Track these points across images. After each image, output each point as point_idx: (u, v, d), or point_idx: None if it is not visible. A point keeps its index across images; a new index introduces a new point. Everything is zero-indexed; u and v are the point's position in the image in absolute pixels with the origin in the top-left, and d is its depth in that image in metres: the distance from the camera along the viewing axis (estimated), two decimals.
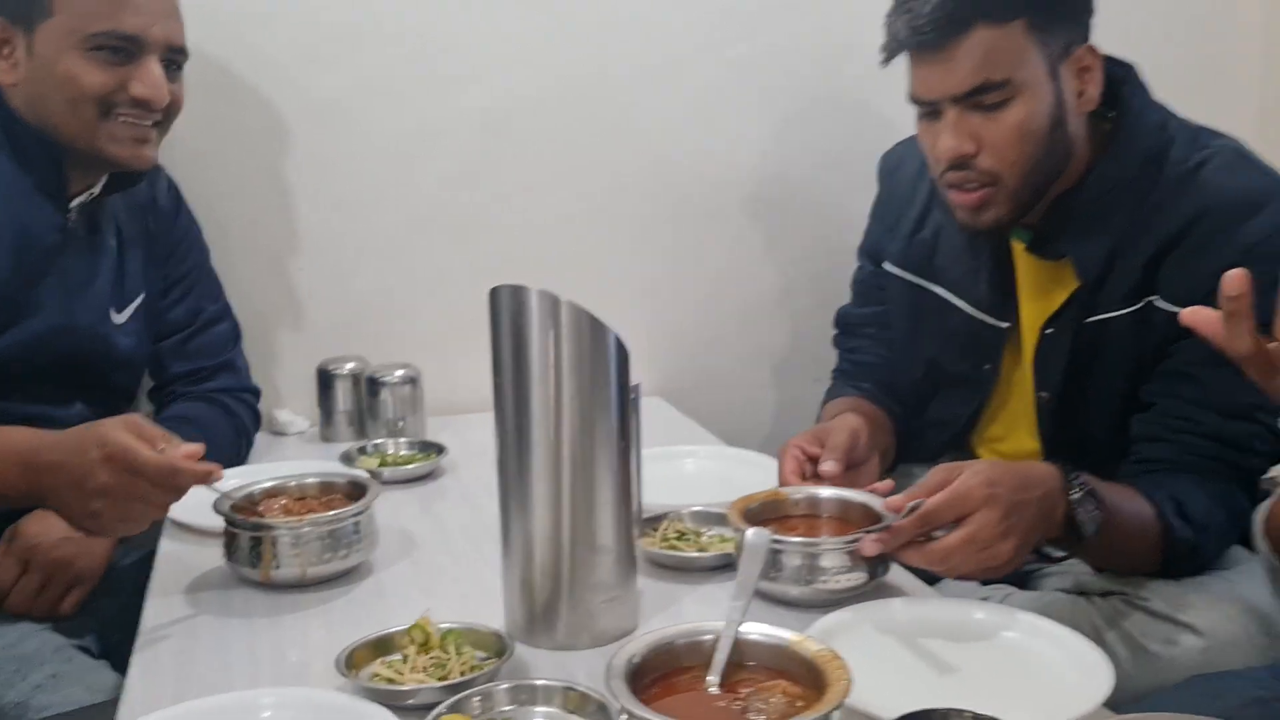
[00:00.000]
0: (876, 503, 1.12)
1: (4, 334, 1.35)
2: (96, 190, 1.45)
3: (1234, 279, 0.82)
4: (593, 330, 0.97)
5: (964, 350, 1.48)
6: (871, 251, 1.64)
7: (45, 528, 1.32)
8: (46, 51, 1.35)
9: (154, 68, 1.38)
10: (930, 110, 1.31)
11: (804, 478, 1.28)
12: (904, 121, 1.42)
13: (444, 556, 1.27)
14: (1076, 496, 1.10)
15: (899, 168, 1.60)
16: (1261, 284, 0.84)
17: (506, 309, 0.98)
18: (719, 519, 1.24)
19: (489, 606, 1.07)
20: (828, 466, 1.27)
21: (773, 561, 1.07)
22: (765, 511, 1.17)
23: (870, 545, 1.05)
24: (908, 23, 1.27)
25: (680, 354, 2.02)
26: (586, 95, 1.91)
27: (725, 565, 1.18)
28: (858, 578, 1.08)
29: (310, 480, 1.27)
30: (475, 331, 1.88)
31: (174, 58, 1.42)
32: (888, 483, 1.16)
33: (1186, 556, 1.21)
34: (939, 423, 1.53)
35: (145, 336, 1.55)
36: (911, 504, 1.05)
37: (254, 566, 1.15)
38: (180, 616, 1.13)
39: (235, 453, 1.62)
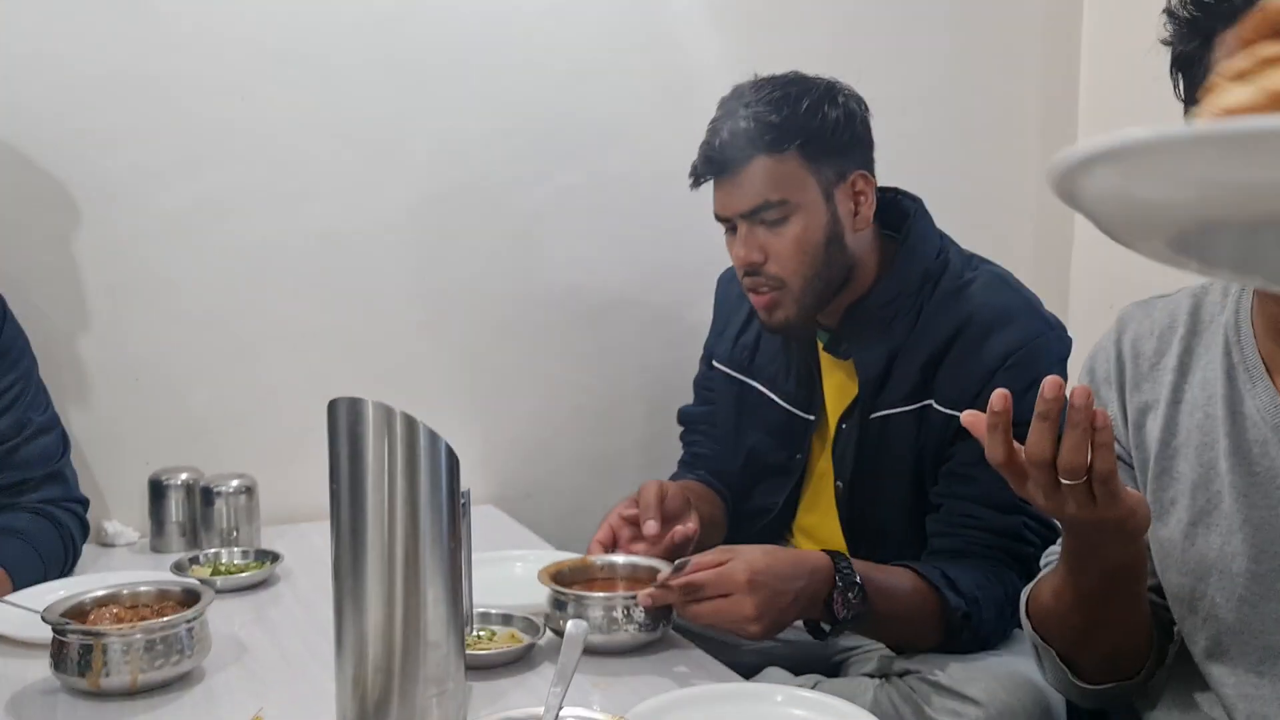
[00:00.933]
0: (664, 567, 1.32)
1: None
2: None
3: (998, 398, 0.97)
4: (425, 439, 1.04)
5: (779, 440, 1.64)
6: (707, 354, 1.82)
7: None
8: None
9: None
10: (729, 225, 1.53)
11: (610, 548, 1.46)
12: (719, 240, 1.58)
13: (277, 660, 1.30)
14: (839, 586, 1.29)
15: (730, 281, 1.78)
16: (1016, 389, 1.01)
17: (344, 419, 1.05)
18: (506, 619, 1.34)
19: (321, 706, 1.11)
20: (649, 527, 1.42)
21: (579, 614, 1.27)
22: (573, 575, 1.37)
23: (645, 599, 1.26)
24: (704, 153, 1.51)
25: (512, 462, 2.10)
26: (420, 216, 2.01)
27: (517, 660, 1.27)
28: (646, 627, 1.29)
29: (144, 589, 1.28)
30: (310, 441, 1.93)
31: None
32: (691, 527, 1.42)
33: (962, 626, 1.35)
34: (760, 510, 1.68)
35: None
36: (678, 563, 1.29)
37: (82, 675, 1.16)
38: None
39: (62, 565, 1.61)
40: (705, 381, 1.81)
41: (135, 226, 1.83)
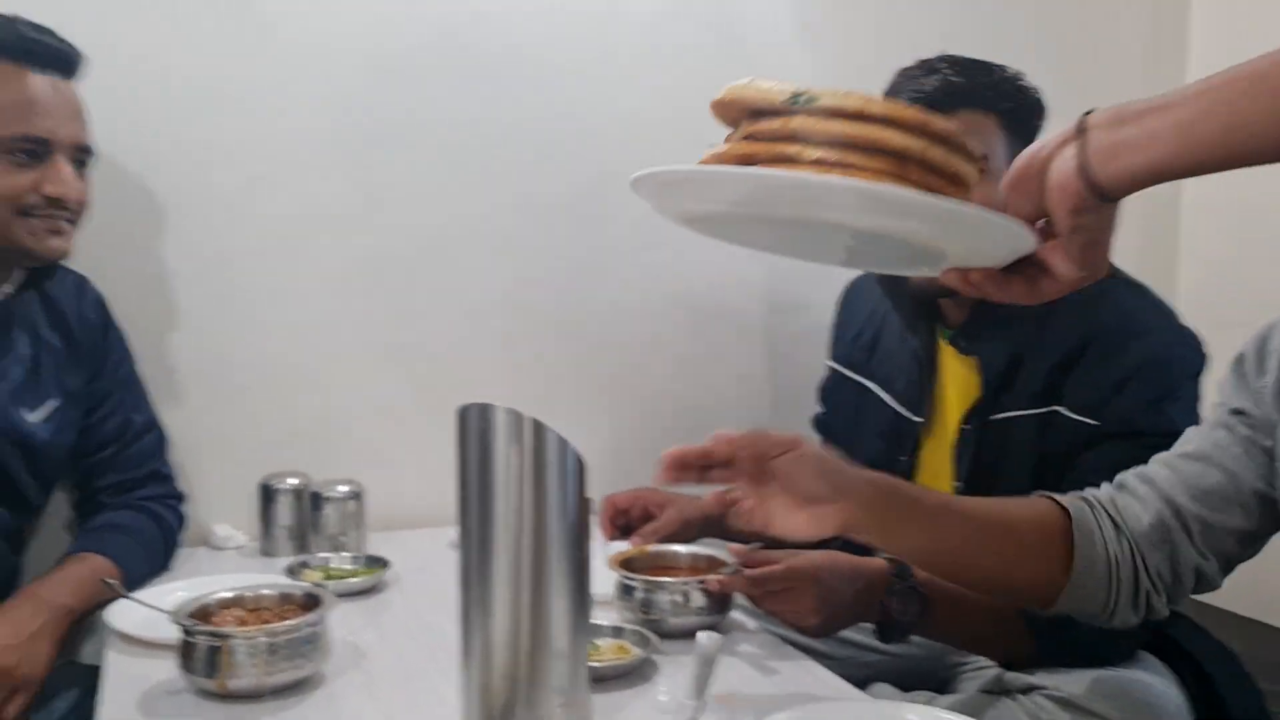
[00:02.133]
0: (727, 557, 1.41)
1: None
2: (10, 290, 1.50)
3: None
4: (553, 445, 1.04)
5: (888, 443, 1.61)
6: (831, 358, 1.82)
7: None
8: None
9: (64, 167, 1.46)
10: None
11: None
12: None
13: (394, 665, 1.30)
14: (896, 589, 1.33)
15: (858, 288, 1.80)
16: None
17: (474, 425, 1.05)
18: (616, 631, 1.34)
19: (442, 713, 1.10)
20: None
21: (648, 601, 1.37)
22: (639, 563, 1.46)
23: (714, 584, 1.36)
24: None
25: (613, 470, 2.09)
26: (524, 223, 2.01)
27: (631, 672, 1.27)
28: (708, 611, 1.38)
29: (266, 591, 1.30)
30: (417, 447, 1.96)
31: (81, 156, 1.50)
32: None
33: (1051, 632, 1.31)
34: None
35: (61, 438, 1.56)
36: (751, 548, 1.39)
37: (210, 676, 1.17)
38: None
39: (164, 559, 1.65)
40: (826, 384, 1.83)
41: (241, 233, 1.86)
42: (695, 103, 1.01)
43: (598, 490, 1.44)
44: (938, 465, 1.57)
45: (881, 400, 1.65)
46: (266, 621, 1.25)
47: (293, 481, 1.77)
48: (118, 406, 1.66)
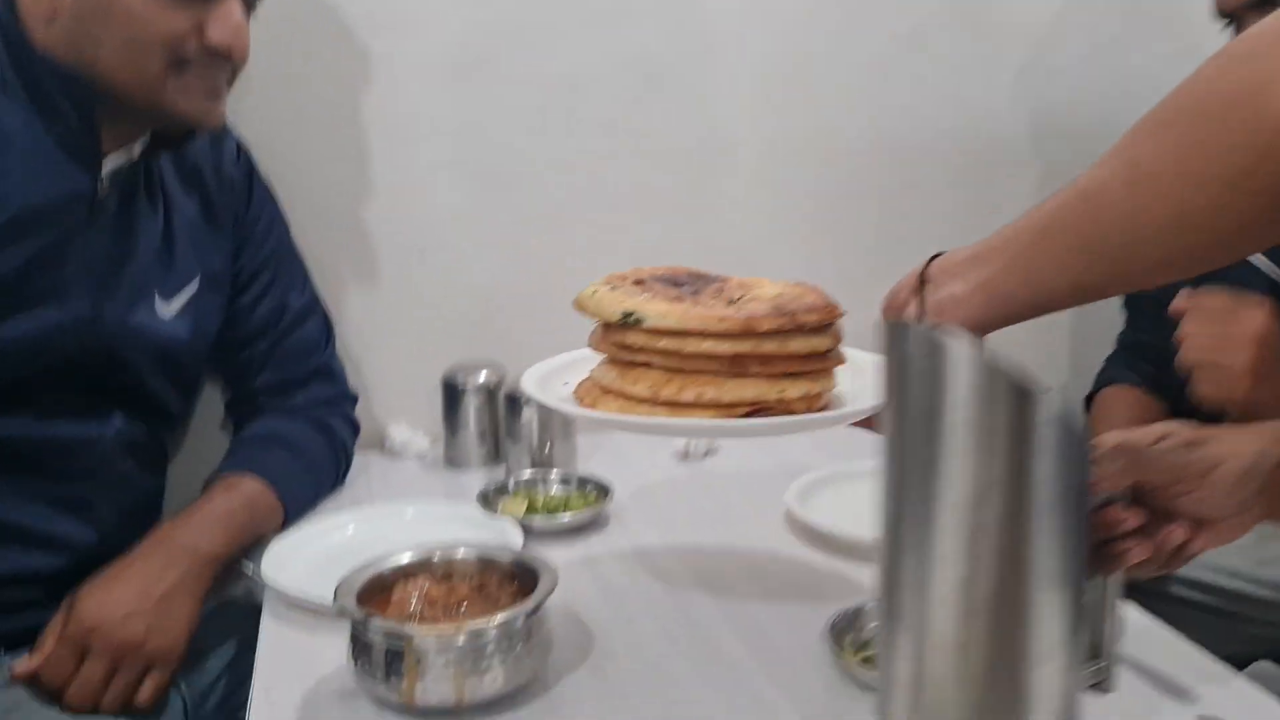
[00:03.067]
0: None
1: (12, 328, 1.04)
2: (136, 152, 1.14)
3: None
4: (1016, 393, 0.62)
5: None
6: None
7: (108, 600, 1.03)
8: None
9: (235, 8, 1.07)
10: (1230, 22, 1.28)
11: None
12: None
13: (633, 657, 0.94)
14: None
15: None
16: None
17: (917, 351, 0.64)
18: None
19: None
20: None
21: None
22: None
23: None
24: None
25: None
26: (778, 32, 1.56)
27: None
28: None
29: (461, 555, 0.95)
30: None
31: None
32: None
33: None
34: None
35: (202, 333, 1.23)
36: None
37: (390, 685, 0.83)
38: None
39: (334, 480, 1.33)
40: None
41: (412, 57, 1.48)
42: None
43: None
44: None
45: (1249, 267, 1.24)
46: (463, 598, 0.91)
47: (483, 376, 1.42)
48: (270, 286, 1.32)
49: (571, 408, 0.92)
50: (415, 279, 1.52)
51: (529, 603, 0.86)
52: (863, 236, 1.66)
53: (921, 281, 0.81)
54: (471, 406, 1.42)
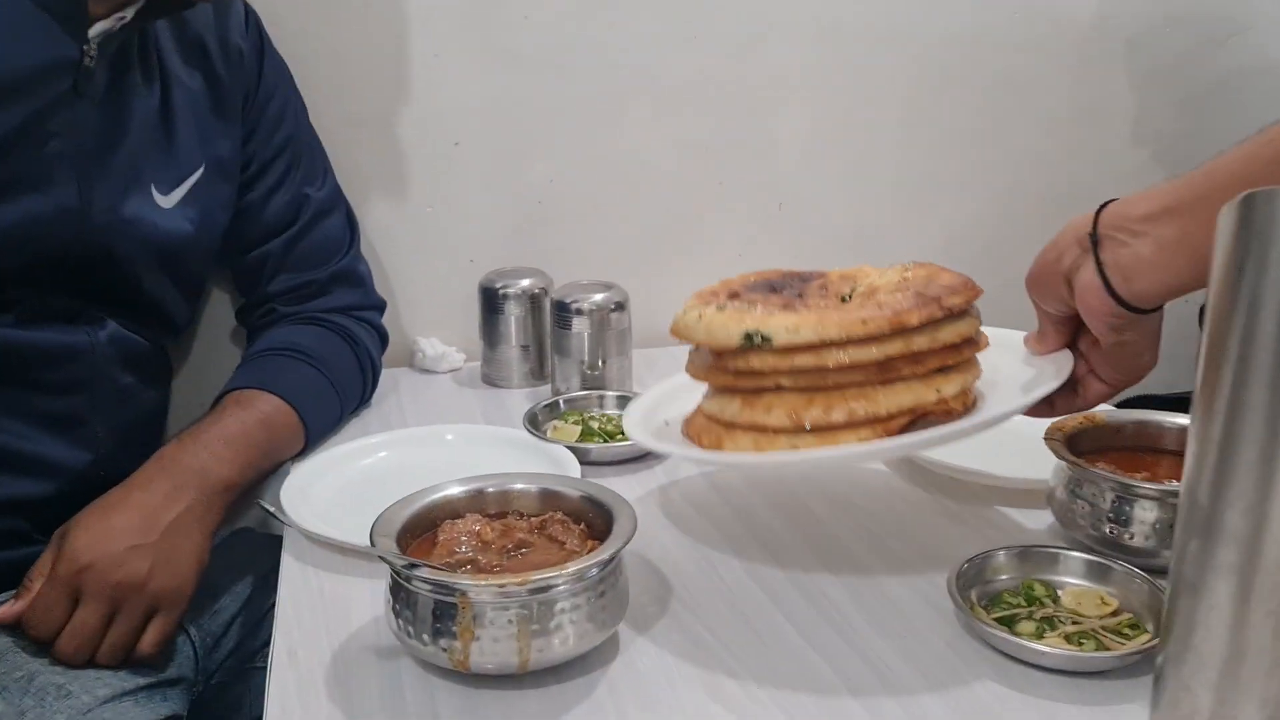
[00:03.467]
0: None
1: None
2: (129, 16, 0.96)
3: None
4: None
5: None
6: None
7: (104, 532, 0.88)
8: None
9: None
10: None
11: None
12: None
13: (721, 611, 0.80)
14: None
15: None
16: None
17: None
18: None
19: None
20: None
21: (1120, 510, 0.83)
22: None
23: None
24: None
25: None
26: None
27: None
28: None
29: (519, 488, 0.80)
30: (687, 239, 1.43)
31: None
32: None
33: None
34: None
35: (208, 228, 1.06)
36: None
37: (439, 645, 0.69)
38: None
39: (360, 395, 1.19)
40: None
41: None
42: None
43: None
44: None
45: None
46: (522, 540, 0.76)
47: (525, 283, 1.26)
48: (285, 177, 1.16)
49: (707, 454, 0.79)
50: (448, 176, 1.35)
51: (605, 549, 0.71)
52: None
53: (1094, 240, 0.72)
54: (513, 317, 1.26)
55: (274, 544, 0.93)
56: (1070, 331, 0.80)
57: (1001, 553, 0.82)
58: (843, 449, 0.75)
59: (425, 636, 0.69)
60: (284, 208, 1.15)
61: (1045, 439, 0.88)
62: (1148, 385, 0.84)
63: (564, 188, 1.39)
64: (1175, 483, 0.80)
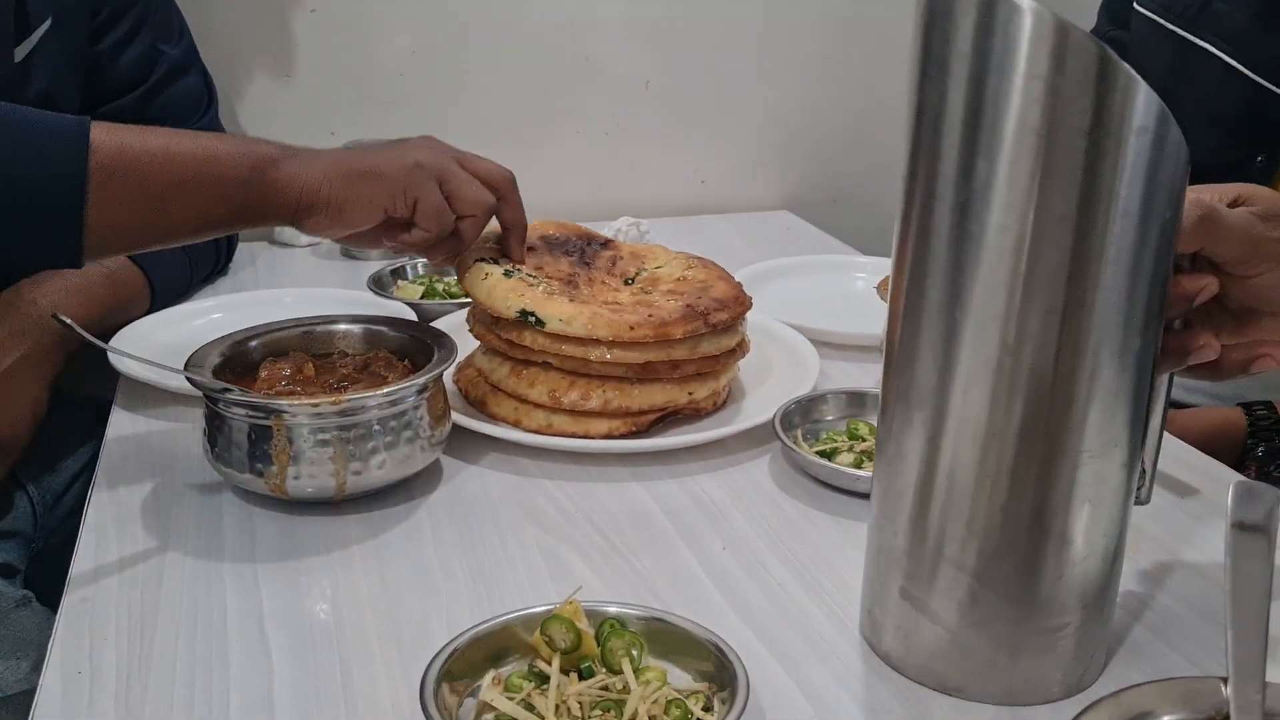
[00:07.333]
0: None
1: None
2: None
3: None
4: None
5: (1231, 133, 1.06)
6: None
7: None
8: None
9: None
10: None
11: None
12: None
13: (548, 449, 0.82)
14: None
15: None
16: None
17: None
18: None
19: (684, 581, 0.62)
20: None
21: None
22: None
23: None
24: None
25: (811, 165, 1.55)
26: None
27: None
28: None
29: (342, 328, 0.80)
30: (552, 115, 1.42)
31: None
32: None
33: None
34: None
35: (62, 84, 1.02)
36: None
37: (256, 471, 0.69)
38: (134, 553, 0.68)
39: (213, 264, 1.17)
40: (1117, 39, 1.19)
41: None
42: None
43: None
44: None
45: (1223, 66, 1.06)
46: (344, 376, 0.76)
47: None
48: (139, 30, 1.11)
49: (474, 423, 0.81)
50: (305, 40, 1.32)
51: (422, 374, 0.71)
52: None
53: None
54: None
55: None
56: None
57: (830, 395, 0.84)
58: (593, 444, 0.79)
59: (241, 462, 0.69)
60: (136, 62, 1.11)
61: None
62: None
63: (426, 59, 1.36)
64: None
